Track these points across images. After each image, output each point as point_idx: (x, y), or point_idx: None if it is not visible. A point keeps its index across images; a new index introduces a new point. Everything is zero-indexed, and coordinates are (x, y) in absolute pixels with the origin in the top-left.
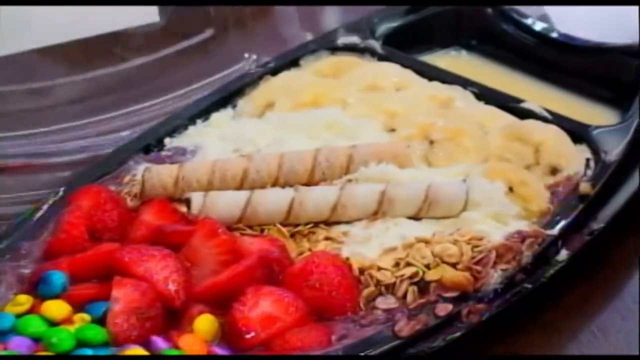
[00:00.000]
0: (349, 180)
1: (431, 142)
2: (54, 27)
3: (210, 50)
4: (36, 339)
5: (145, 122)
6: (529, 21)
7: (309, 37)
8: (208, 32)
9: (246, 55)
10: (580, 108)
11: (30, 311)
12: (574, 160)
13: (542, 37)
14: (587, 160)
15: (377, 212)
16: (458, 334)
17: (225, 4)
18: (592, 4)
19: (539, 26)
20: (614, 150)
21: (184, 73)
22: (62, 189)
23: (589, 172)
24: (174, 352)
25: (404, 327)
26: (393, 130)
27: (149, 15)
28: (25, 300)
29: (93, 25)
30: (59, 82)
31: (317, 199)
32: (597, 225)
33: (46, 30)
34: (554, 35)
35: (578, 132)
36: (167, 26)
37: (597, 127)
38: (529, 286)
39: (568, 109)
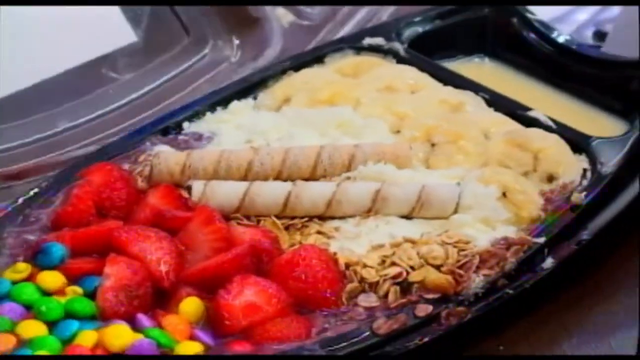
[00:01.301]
0: (347, 178)
1: (433, 145)
2: (46, 61)
3: (192, 56)
4: (27, 307)
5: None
6: (552, 32)
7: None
8: (185, 40)
9: (228, 53)
10: (591, 118)
11: (27, 279)
12: (571, 169)
13: (563, 48)
14: (584, 170)
15: (371, 210)
16: (435, 335)
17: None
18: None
19: (561, 38)
20: (610, 162)
21: (172, 81)
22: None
23: (585, 182)
24: (156, 332)
25: (382, 326)
26: (399, 131)
27: (126, 36)
28: (23, 268)
29: (78, 55)
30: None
31: (314, 193)
32: (586, 235)
33: (39, 65)
34: (574, 47)
35: (578, 142)
36: (146, 42)
37: (597, 138)
38: (511, 292)
39: (579, 119)
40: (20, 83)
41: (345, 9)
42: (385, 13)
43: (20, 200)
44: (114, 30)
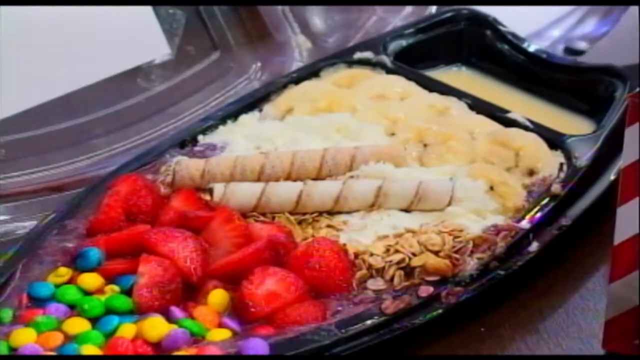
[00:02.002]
0: (351, 177)
1: (425, 145)
2: (76, 74)
3: (220, 69)
4: (71, 306)
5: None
6: (522, 42)
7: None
8: (215, 55)
9: (253, 67)
10: (561, 118)
11: (68, 282)
12: (549, 164)
13: (532, 56)
14: (561, 164)
15: (374, 205)
16: (437, 312)
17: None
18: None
19: (531, 47)
20: (584, 156)
21: (200, 93)
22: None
23: (562, 175)
24: (189, 322)
25: (390, 306)
26: (393, 134)
27: (160, 48)
28: (65, 272)
29: (112, 66)
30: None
31: (322, 191)
32: (565, 221)
33: (71, 76)
34: (543, 55)
35: (554, 140)
36: (178, 56)
37: (571, 136)
38: (502, 273)
39: (550, 119)
40: (55, 92)
41: (358, 35)
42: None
43: (58, 213)
44: (150, 42)
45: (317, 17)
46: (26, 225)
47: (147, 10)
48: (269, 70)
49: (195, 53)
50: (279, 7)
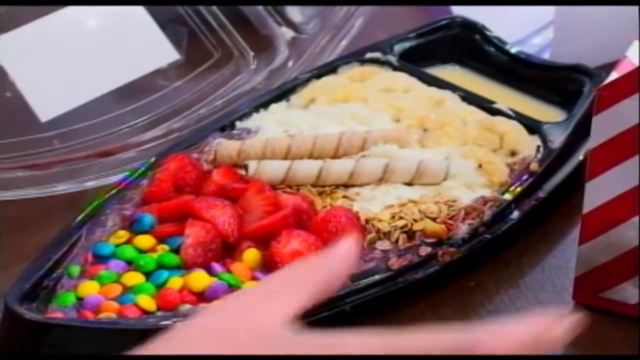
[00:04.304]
0: (363, 156)
1: (425, 130)
2: (95, 81)
3: (221, 67)
4: (129, 262)
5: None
6: (506, 45)
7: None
8: (219, 53)
9: (247, 63)
10: (538, 108)
11: (126, 242)
12: (528, 146)
13: (514, 57)
14: (538, 146)
15: (382, 179)
16: (434, 269)
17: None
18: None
19: (513, 49)
20: (558, 140)
21: (208, 87)
22: (153, 158)
23: (539, 156)
24: (227, 275)
25: (395, 263)
26: (398, 121)
27: (170, 54)
28: (123, 235)
29: (126, 74)
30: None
31: (339, 168)
32: (542, 194)
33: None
34: (522, 55)
35: (532, 126)
36: (187, 58)
37: (546, 123)
38: (488, 236)
39: (529, 109)
40: (95, 92)
41: (335, 20)
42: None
43: (118, 186)
44: (162, 49)
45: (295, 9)
46: (85, 185)
47: (153, 27)
48: (263, 61)
49: (200, 55)
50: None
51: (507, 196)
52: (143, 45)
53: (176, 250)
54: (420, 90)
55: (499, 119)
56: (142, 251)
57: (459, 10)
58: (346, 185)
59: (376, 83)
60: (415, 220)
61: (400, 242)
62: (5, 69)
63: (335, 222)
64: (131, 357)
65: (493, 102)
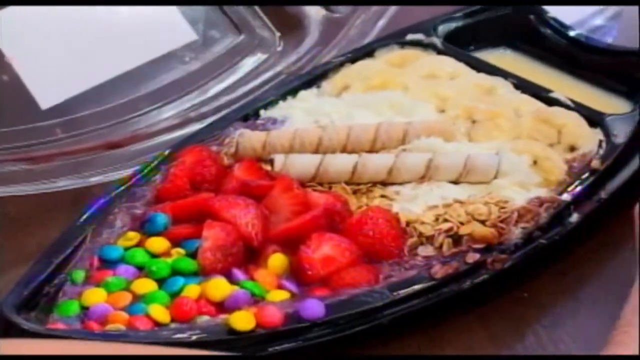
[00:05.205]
0: (404, 150)
1: (473, 122)
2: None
3: (244, 49)
4: (140, 268)
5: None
6: (564, 27)
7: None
8: (241, 34)
9: (272, 45)
10: (600, 98)
11: (137, 245)
12: (589, 141)
13: (572, 40)
14: (600, 141)
15: (425, 176)
16: (483, 278)
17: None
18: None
19: (572, 32)
20: (622, 134)
21: (230, 69)
22: (167, 150)
23: (601, 151)
24: (250, 283)
25: (439, 271)
26: (443, 111)
27: (186, 34)
28: (133, 236)
29: (145, 53)
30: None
31: (376, 163)
32: (604, 194)
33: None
34: (583, 39)
35: (594, 118)
36: (204, 40)
37: (610, 115)
38: (544, 242)
39: (590, 99)
40: (102, 77)
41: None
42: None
43: (127, 181)
44: (178, 30)
45: None
46: (90, 181)
47: (167, 3)
48: (291, 43)
49: (219, 36)
50: None
51: (566, 197)
52: (155, 25)
53: (193, 255)
54: (468, 77)
55: (556, 109)
56: (154, 255)
57: None
58: (384, 183)
59: (418, 68)
60: (462, 223)
61: (445, 247)
62: (2, 51)
63: (371, 224)
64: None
65: (550, 91)
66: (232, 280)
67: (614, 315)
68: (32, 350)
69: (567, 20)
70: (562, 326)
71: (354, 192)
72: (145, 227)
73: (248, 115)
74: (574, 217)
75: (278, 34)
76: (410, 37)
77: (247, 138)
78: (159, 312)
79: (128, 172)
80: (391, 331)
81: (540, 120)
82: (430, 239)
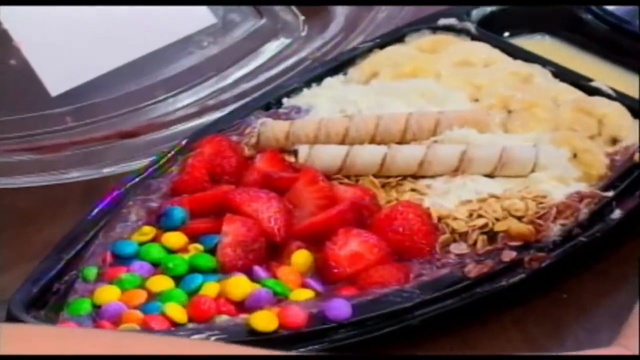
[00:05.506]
0: (435, 141)
1: (509, 112)
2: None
3: (266, 33)
4: (155, 264)
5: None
6: (605, 12)
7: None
8: (262, 17)
9: (296, 29)
10: None
11: (152, 240)
12: (632, 132)
13: (615, 26)
14: None
15: (458, 169)
16: (519, 277)
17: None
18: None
19: (613, 17)
20: None
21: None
22: (185, 140)
23: None
24: (272, 281)
25: (472, 270)
26: (477, 100)
27: (204, 18)
28: (149, 231)
29: (161, 38)
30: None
31: (407, 155)
32: None
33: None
34: (626, 25)
35: (637, 109)
36: (224, 24)
37: None
38: (585, 239)
39: (632, 89)
40: (115, 62)
41: None
42: None
43: (142, 173)
44: (196, 13)
45: None
46: (103, 172)
47: None
48: (316, 27)
49: (240, 20)
50: None
51: (607, 192)
52: (172, 7)
53: (211, 251)
54: (504, 64)
55: (597, 99)
56: (170, 251)
57: None
58: (415, 176)
59: (451, 55)
60: (497, 219)
61: (479, 244)
62: (9, 32)
63: (401, 220)
64: None
65: (590, 80)
66: (253, 278)
67: None
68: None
69: (610, 5)
70: (604, 329)
71: (383, 186)
72: (161, 221)
73: (270, 103)
74: (616, 214)
75: (302, 18)
76: (442, 21)
77: (270, 128)
78: (176, 311)
79: (143, 162)
80: (421, 333)
81: (580, 110)
82: (463, 236)
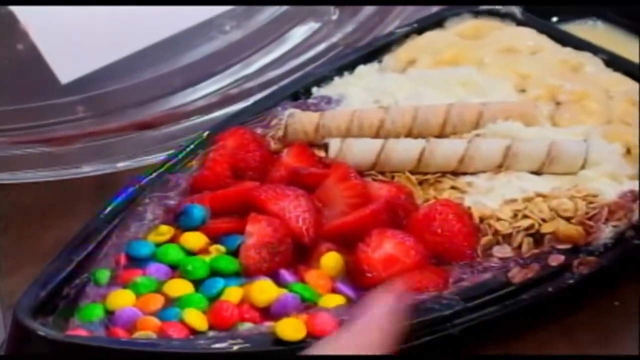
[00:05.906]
0: (477, 135)
1: (558, 104)
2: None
3: (295, 17)
4: (173, 267)
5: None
6: None
7: None
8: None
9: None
10: None
11: (170, 241)
12: None
13: None
14: None
15: (502, 165)
16: (568, 283)
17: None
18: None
19: None
20: None
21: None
22: (206, 133)
23: None
24: (300, 286)
25: (517, 275)
26: (523, 90)
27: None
28: (166, 231)
29: (179, 22)
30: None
31: (446, 150)
32: None
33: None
34: None
35: None
36: (247, 7)
37: None
38: (638, 242)
39: None
40: (130, 48)
41: None
42: None
43: (159, 168)
44: None
45: None
46: (117, 166)
47: None
48: (347, 11)
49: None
50: None
51: None
52: None
53: (234, 253)
54: (552, 52)
55: None
56: (190, 252)
57: None
58: (455, 173)
59: (494, 41)
60: (544, 220)
61: (525, 247)
62: (16, 16)
63: (440, 220)
64: None
65: None
66: (279, 282)
67: None
68: None
69: None
70: None
71: (420, 183)
72: (179, 221)
73: (298, 93)
74: None
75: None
76: (485, 5)
77: (298, 119)
78: (196, 318)
79: (160, 156)
80: (462, 343)
81: (634, 102)
82: (507, 238)
